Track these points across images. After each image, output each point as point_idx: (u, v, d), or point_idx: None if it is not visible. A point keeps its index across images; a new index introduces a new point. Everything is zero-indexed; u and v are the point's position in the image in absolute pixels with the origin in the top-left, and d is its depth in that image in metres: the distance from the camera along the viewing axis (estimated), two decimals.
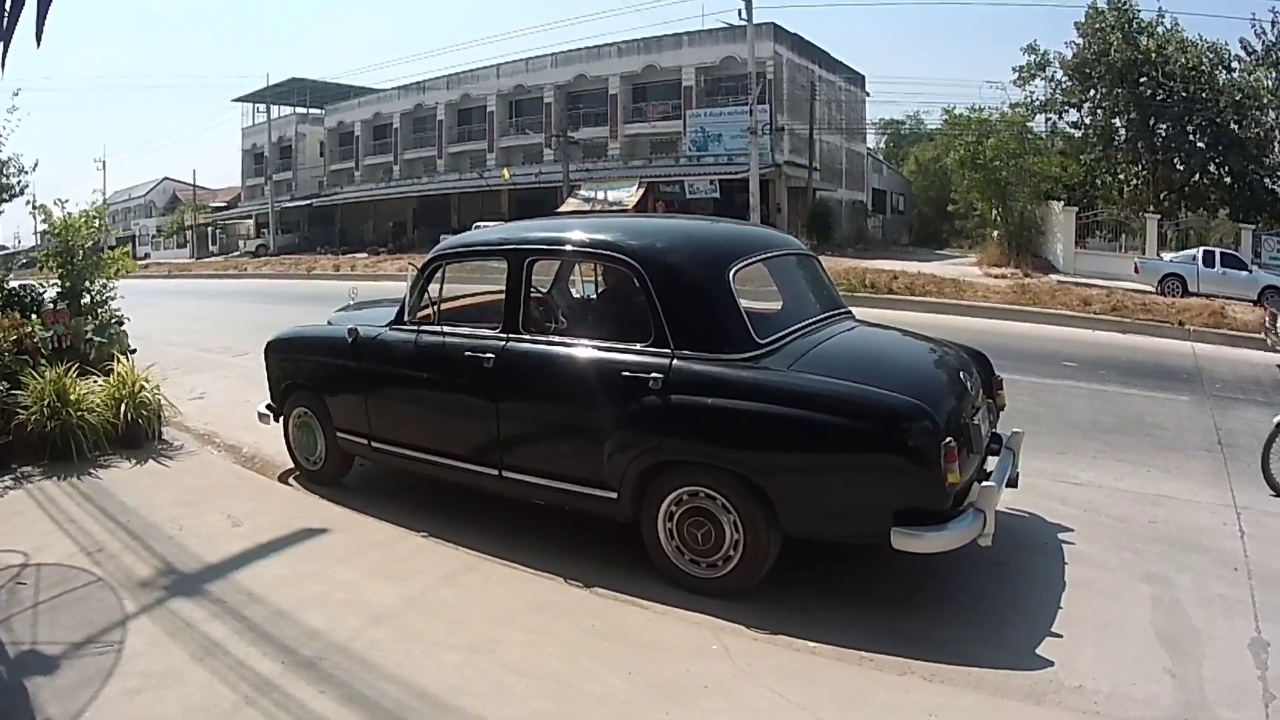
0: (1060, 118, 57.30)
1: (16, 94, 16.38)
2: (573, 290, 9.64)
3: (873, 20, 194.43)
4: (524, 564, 7.25)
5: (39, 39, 5.01)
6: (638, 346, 6.99)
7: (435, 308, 8.47)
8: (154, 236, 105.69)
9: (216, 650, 5.95)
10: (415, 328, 8.46)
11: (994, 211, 49.54)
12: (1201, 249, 37.29)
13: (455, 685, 5.52)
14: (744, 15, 48.56)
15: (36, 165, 17.64)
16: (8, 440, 10.44)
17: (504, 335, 7.76)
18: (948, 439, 6.01)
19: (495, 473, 7.78)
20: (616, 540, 7.36)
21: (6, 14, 5.47)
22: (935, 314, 22.64)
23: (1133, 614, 6.55)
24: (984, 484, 6.44)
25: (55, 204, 14.27)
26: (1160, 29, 53.43)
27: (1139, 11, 53.58)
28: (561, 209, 57.54)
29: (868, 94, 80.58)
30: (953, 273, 33.23)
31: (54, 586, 7.12)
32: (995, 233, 49.80)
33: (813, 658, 5.87)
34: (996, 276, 35.23)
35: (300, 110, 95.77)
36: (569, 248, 8.17)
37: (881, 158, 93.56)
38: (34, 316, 12.92)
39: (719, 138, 61.91)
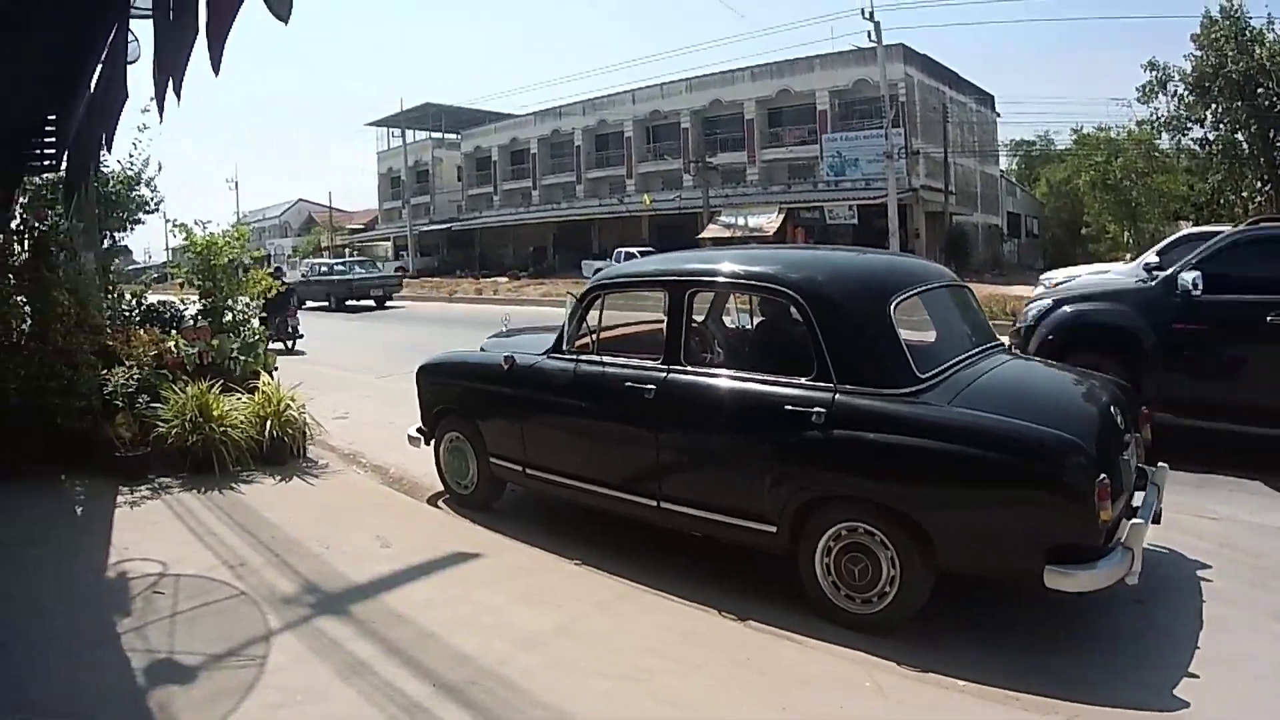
0: (1184, 134, 56.11)
1: (145, 110, 16.59)
2: (728, 321, 9.60)
3: (998, 38, 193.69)
4: (675, 594, 7.16)
5: (216, 68, 4.97)
6: (800, 380, 6.92)
7: (594, 337, 8.49)
8: (289, 256, 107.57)
9: (363, 669, 5.97)
10: (574, 357, 8.48)
11: (1125, 233, 48.87)
12: None
13: (605, 714, 5.50)
14: (874, 37, 48.51)
15: (178, 187, 17.96)
16: (146, 451, 10.60)
17: (665, 366, 7.76)
18: (1102, 476, 5.89)
19: (653, 503, 7.74)
20: (768, 572, 7.27)
21: (182, 46, 5.45)
22: None
23: (1266, 654, 6.36)
24: (1132, 521, 6.33)
25: (196, 223, 14.45)
26: (1271, 36, 52.10)
27: (1250, 19, 52.25)
28: (703, 235, 58.45)
29: (998, 114, 79.93)
30: None
31: (193, 598, 7.19)
32: (1127, 255, 49.03)
33: (962, 696, 5.74)
34: None
35: (435, 135, 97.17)
36: (730, 279, 8.08)
37: (1014, 179, 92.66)
38: (174, 332, 13.09)
39: (855, 162, 61.67)
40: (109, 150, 9.16)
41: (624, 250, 53.33)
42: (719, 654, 6.12)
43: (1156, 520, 7.19)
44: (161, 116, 6.47)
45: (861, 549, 6.49)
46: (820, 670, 5.95)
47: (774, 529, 6.87)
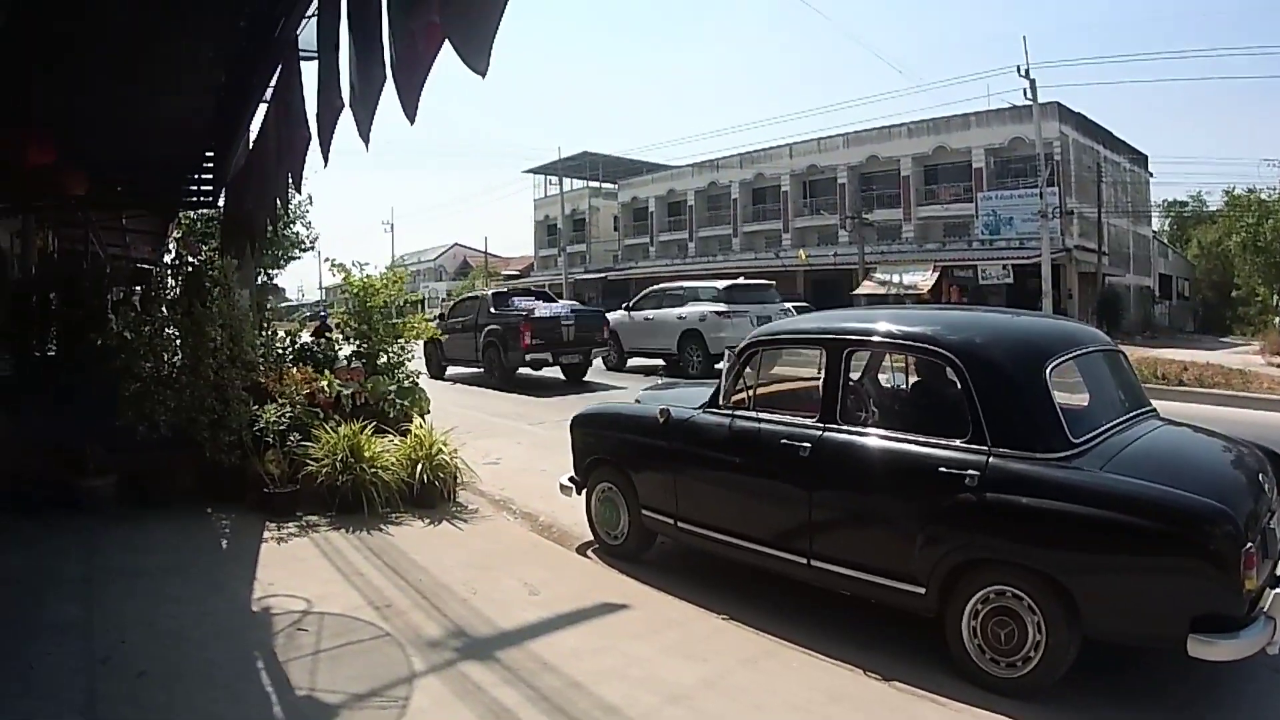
0: None
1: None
2: (883, 380, 9.58)
3: (1152, 97, 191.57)
4: (822, 652, 7.09)
5: (411, 117, 5.00)
6: (955, 442, 6.89)
7: (750, 393, 8.49)
8: (443, 300, 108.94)
9: (506, 716, 6.00)
10: (730, 412, 8.52)
11: (1276, 297, 48.11)
12: None
13: None
14: (1029, 95, 48.31)
15: (334, 228, 18.21)
16: (295, 489, 10.78)
17: (821, 425, 7.73)
18: (1248, 544, 5.83)
19: (804, 561, 7.70)
20: (912, 632, 7.21)
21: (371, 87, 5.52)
22: (1223, 406, 21.92)
23: None
24: (1276, 590, 6.17)
25: (354, 264, 14.66)
26: None
27: None
28: (857, 291, 58.36)
29: (1151, 174, 78.88)
30: (1235, 362, 32.27)
31: (337, 636, 7.27)
32: (1277, 320, 48.25)
33: None
34: (1278, 365, 34.10)
35: (593, 184, 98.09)
36: (887, 339, 8.02)
37: (1166, 240, 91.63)
38: (328, 372, 13.31)
39: (1010, 220, 61.16)
40: (298, 190, 9.31)
41: (784, 304, 53.47)
42: (865, 714, 6.08)
43: None
44: (326, 160, 6.57)
45: (1008, 612, 6.43)
46: None
47: (923, 590, 6.82)
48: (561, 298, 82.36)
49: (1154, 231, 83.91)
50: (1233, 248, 53.66)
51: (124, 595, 8.17)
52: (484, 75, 4.32)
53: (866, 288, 60.84)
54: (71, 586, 8.35)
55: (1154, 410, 8.28)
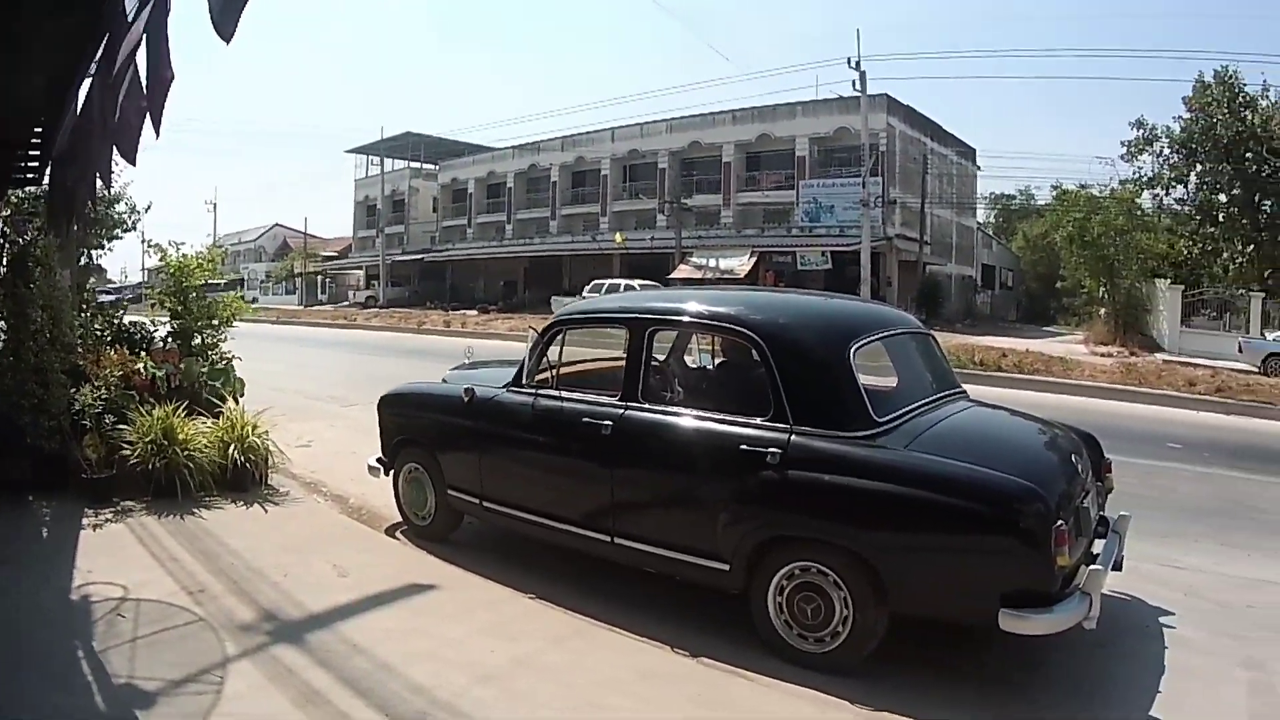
0: (1167, 193, 56.72)
1: None
2: (689, 360, 9.64)
3: (984, 92, 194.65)
4: (631, 630, 7.20)
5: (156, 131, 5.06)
6: (756, 420, 6.97)
7: (554, 372, 8.53)
8: (263, 281, 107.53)
9: (318, 699, 5.99)
10: (533, 391, 8.54)
11: (1101, 289, 49.22)
12: None
13: None
14: (858, 86, 48.83)
15: (150, 207, 17.96)
16: (112, 474, 10.58)
17: (623, 403, 7.81)
18: (1059, 522, 5.95)
19: (607, 539, 7.77)
20: (722, 609, 7.28)
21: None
22: (1043, 392, 22.59)
23: (1231, 699, 6.48)
24: (1091, 567, 6.36)
25: (170, 245, 14.46)
26: (1265, 103, 52.76)
27: (1244, 86, 53.05)
28: (673, 275, 58.36)
29: (979, 168, 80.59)
30: (1059, 350, 33.16)
31: (154, 623, 7.19)
32: (1102, 310, 49.48)
33: None
34: (1102, 355, 35.38)
35: (414, 165, 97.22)
36: (691, 319, 8.13)
37: (991, 233, 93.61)
38: (143, 354, 13.11)
39: (831, 209, 61.93)
40: (132, 162, 9.17)
41: (597, 281, 53.31)
42: (674, 690, 6.17)
43: (1118, 567, 7.31)
44: (158, 132, 6.55)
45: (814, 589, 6.54)
46: (773, 708, 6.01)
47: (728, 567, 6.92)
48: (378, 280, 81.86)
49: (979, 223, 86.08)
50: (1059, 241, 54.74)
51: None
52: (228, 41, 4.44)
53: (683, 272, 61.24)
54: None
55: (964, 392, 8.49)
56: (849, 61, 48.38)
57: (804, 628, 6.62)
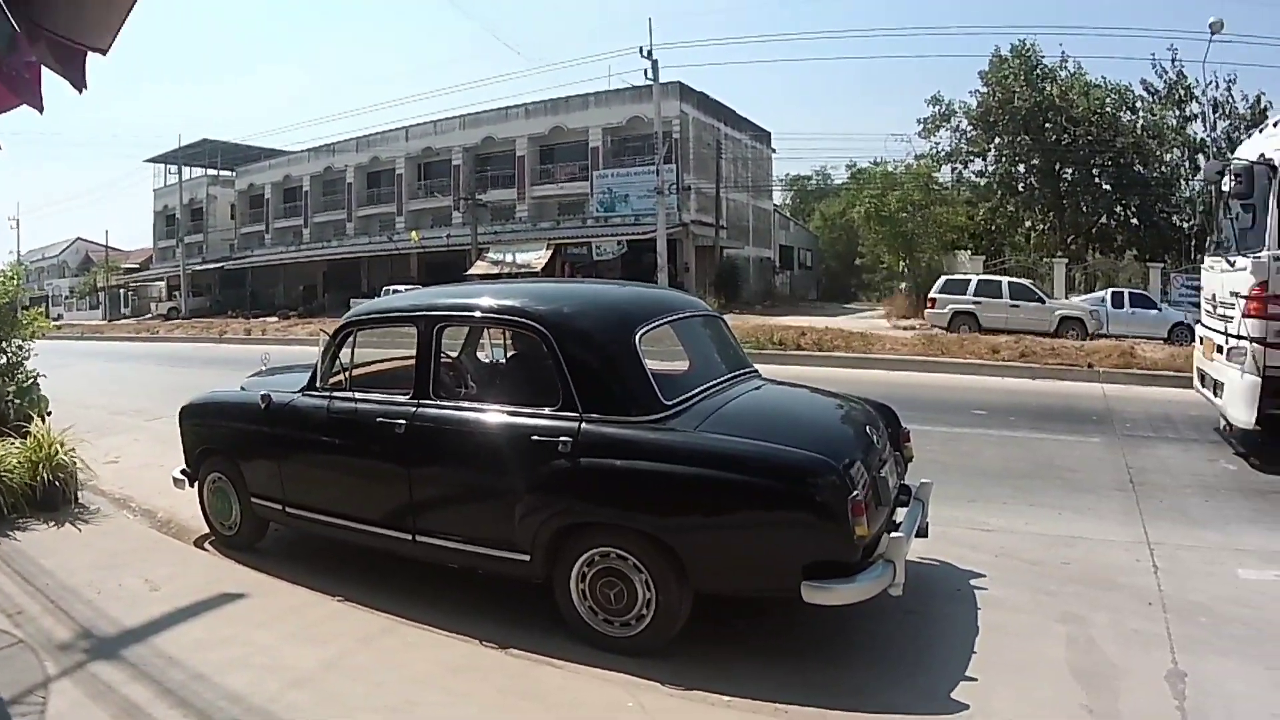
0: (965, 167, 57.82)
1: None
2: (482, 355, 9.71)
3: (778, 77, 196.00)
4: (440, 626, 7.23)
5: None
6: (546, 410, 7.09)
7: (347, 374, 8.54)
8: (67, 297, 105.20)
9: (138, 713, 5.95)
10: (328, 394, 8.50)
11: (901, 263, 50.00)
12: (1110, 290, 38.49)
13: None
14: (650, 75, 49.06)
15: None
16: None
17: (415, 401, 7.85)
18: (854, 493, 6.10)
19: (409, 537, 7.81)
20: (532, 600, 7.36)
21: None
22: (845, 369, 22.85)
23: (1049, 654, 6.66)
24: (893, 535, 6.53)
25: None
26: (1064, 73, 54.19)
27: (1043, 58, 54.30)
28: (471, 272, 58.77)
29: (774, 150, 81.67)
30: (861, 326, 33.84)
31: None
32: (903, 285, 50.29)
33: (729, 711, 5.91)
34: (905, 329, 36.06)
35: (211, 172, 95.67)
36: (478, 314, 8.25)
37: (788, 214, 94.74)
38: None
39: (626, 198, 62.66)
40: None
41: (391, 287, 53.13)
42: (485, 683, 6.24)
43: (923, 534, 7.57)
44: None
45: (616, 574, 6.68)
46: (584, 694, 6.09)
47: (528, 558, 7.01)
48: (179, 291, 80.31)
49: (775, 205, 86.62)
50: (856, 218, 55.49)
51: None
52: (81, 91, 4.49)
53: (480, 268, 61.53)
54: None
55: (756, 372, 8.64)
56: (641, 50, 48.82)
57: (609, 613, 6.75)
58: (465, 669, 6.47)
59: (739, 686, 6.17)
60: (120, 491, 12.20)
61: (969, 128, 57.15)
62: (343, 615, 7.60)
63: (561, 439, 6.80)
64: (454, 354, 8.91)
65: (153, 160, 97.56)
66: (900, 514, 7.39)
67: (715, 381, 7.79)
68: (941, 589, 7.86)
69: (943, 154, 57.92)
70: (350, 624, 7.39)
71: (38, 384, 13.88)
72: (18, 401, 12.92)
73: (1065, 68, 55.17)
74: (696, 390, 7.40)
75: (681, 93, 62.36)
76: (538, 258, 61.20)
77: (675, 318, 8.16)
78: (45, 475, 10.72)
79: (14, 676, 6.55)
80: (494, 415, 7.46)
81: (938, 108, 57.72)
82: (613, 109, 65.75)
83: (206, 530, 9.98)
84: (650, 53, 48.66)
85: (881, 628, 7.08)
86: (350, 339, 8.64)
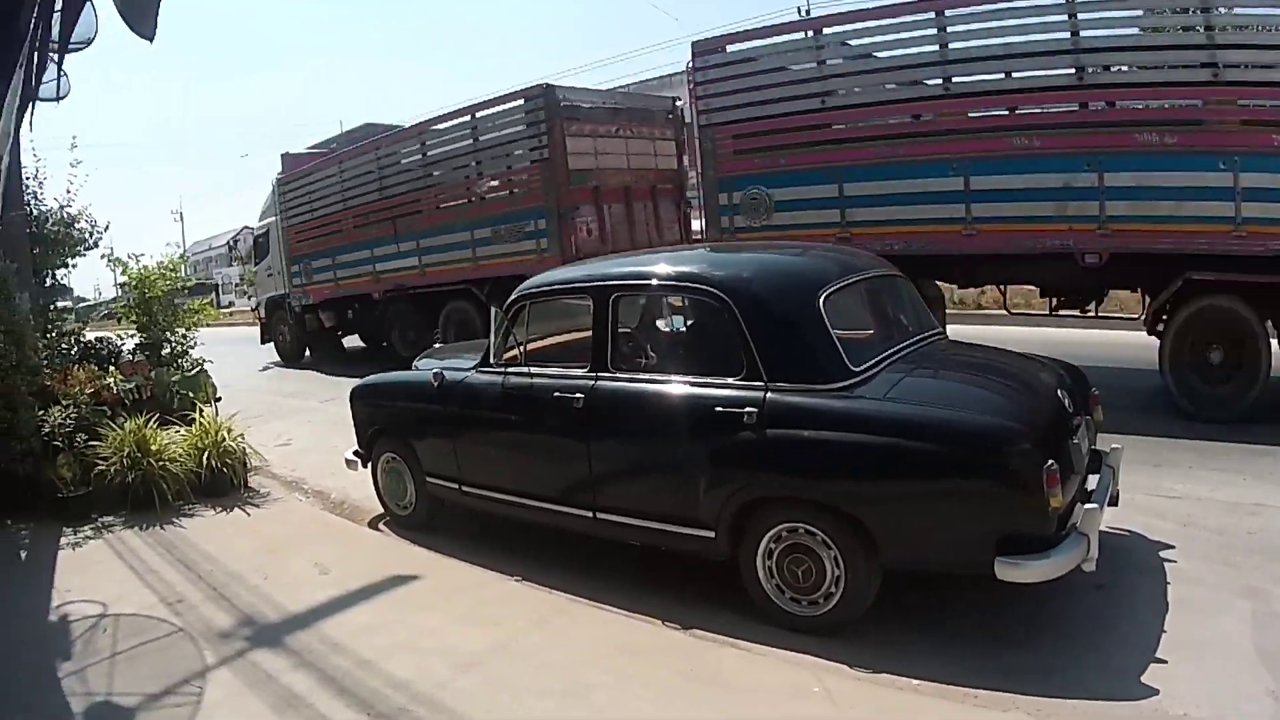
0: None
1: (74, 146, 16.72)
2: (660, 324, 9.44)
3: None
4: (618, 606, 7.12)
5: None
6: (730, 380, 6.81)
7: (522, 349, 8.36)
8: (237, 284, 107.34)
9: (298, 703, 5.93)
10: (502, 370, 8.37)
11: None
12: None
13: None
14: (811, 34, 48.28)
15: (109, 226, 17.95)
16: (87, 490, 10.53)
17: (593, 374, 7.66)
18: (1049, 462, 5.73)
19: (589, 514, 7.67)
20: (715, 578, 7.12)
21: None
22: (1024, 327, 21.62)
23: (1233, 632, 6.25)
24: (1086, 506, 6.18)
25: (130, 257, 14.38)
26: None
27: None
28: None
29: None
30: None
31: (132, 637, 7.13)
32: None
33: (916, 696, 5.62)
34: None
35: None
36: (655, 282, 8.03)
37: None
38: (112, 368, 13.06)
39: None
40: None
41: None
42: (661, 666, 6.04)
43: (1114, 503, 7.16)
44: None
45: (804, 550, 6.38)
46: (767, 677, 5.86)
47: (712, 534, 6.77)
48: None
49: None
50: None
51: None
52: (151, 40, 4.39)
53: None
54: None
55: (943, 334, 8.32)
56: (798, 9, 47.83)
57: (796, 590, 6.48)
58: (643, 650, 6.32)
59: (925, 669, 5.88)
60: (291, 474, 12.34)
61: None
62: (516, 595, 7.52)
63: (747, 410, 6.54)
64: (632, 324, 8.71)
65: (316, 147, 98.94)
66: (1091, 482, 7.02)
67: (902, 345, 7.43)
68: (1129, 561, 7.45)
69: None
70: (524, 604, 7.31)
71: (205, 372, 14.00)
72: (184, 391, 12.96)
73: None
74: (883, 355, 7.05)
75: None
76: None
77: (859, 278, 7.81)
78: (212, 462, 10.84)
79: (170, 666, 6.57)
80: (675, 386, 7.25)
81: None
82: None
83: (380, 511, 9.98)
84: (808, 12, 48.17)
85: (1071, 605, 6.69)
86: (523, 313, 8.46)
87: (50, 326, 14.77)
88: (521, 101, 19.28)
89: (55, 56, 7.90)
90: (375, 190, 22.89)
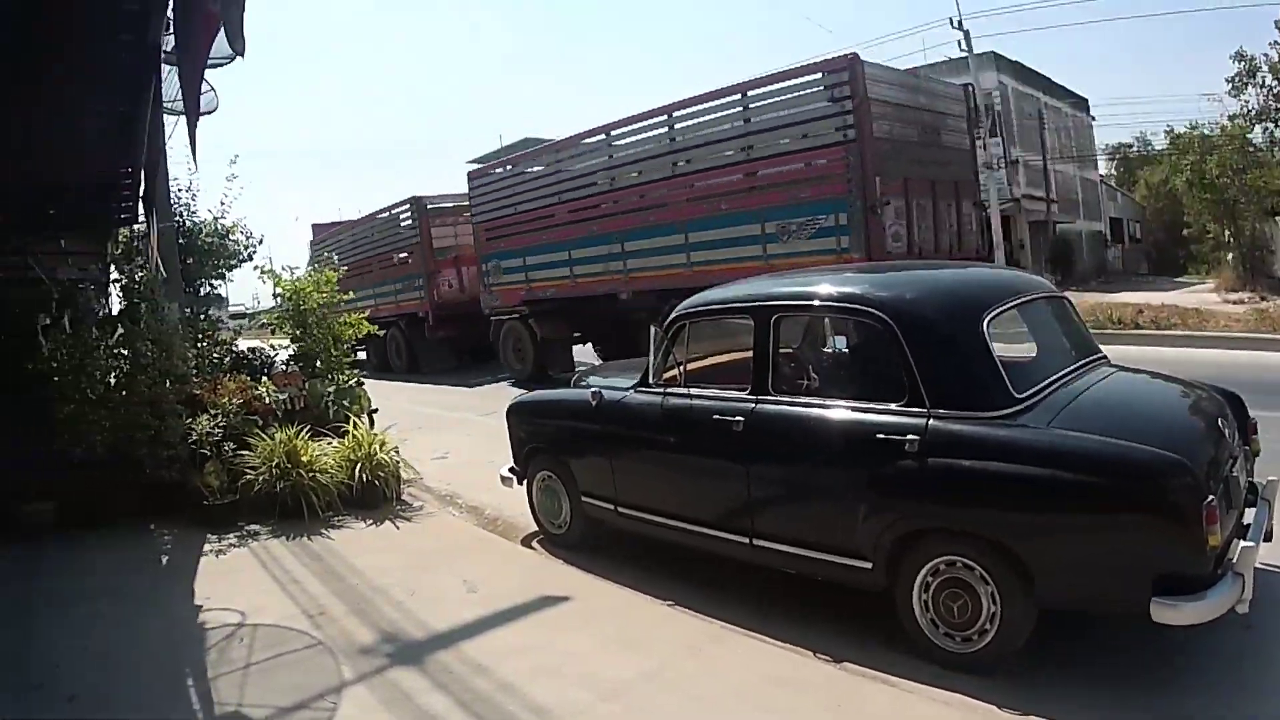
0: (1276, 126, 54.42)
1: (234, 161, 17.29)
2: (823, 344, 9.21)
3: (1089, 41, 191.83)
4: (771, 635, 6.90)
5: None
6: (892, 406, 6.59)
7: (681, 369, 8.26)
8: None
9: None
10: (661, 390, 8.31)
11: (1225, 233, 47.93)
12: None
13: None
14: (964, 46, 48.33)
15: (263, 239, 18.42)
16: (234, 499, 10.74)
17: (753, 396, 7.49)
18: (1209, 497, 5.51)
19: (745, 541, 7.49)
20: (867, 609, 6.94)
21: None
22: (1181, 347, 21.63)
23: None
24: (1243, 544, 5.91)
25: (284, 269, 14.64)
26: None
27: None
28: None
29: (1093, 118, 78.21)
30: (1191, 301, 31.93)
31: (268, 648, 7.22)
32: (1229, 256, 48.00)
33: None
34: (1234, 302, 33.90)
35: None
36: (816, 302, 7.73)
37: (1114, 184, 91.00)
38: (265, 379, 13.35)
39: None
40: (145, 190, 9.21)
41: None
42: (810, 700, 5.85)
43: (1268, 538, 6.79)
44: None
45: (960, 584, 6.18)
46: (915, 716, 5.67)
47: (870, 565, 6.57)
48: None
49: (1101, 175, 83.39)
50: (1179, 186, 53.12)
51: (60, 619, 8.15)
52: (243, 56, 4.46)
53: None
54: (6, 613, 8.31)
55: (1105, 358, 8.02)
56: (951, 21, 48.29)
57: (950, 626, 6.26)
58: (790, 682, 6.14)
59: (1076, 712, 5.66)
60: (446, 489, 12.38)
61: (1275, 83, 53.79)
62: (669, 620, 7.42)
63: (908, 437, 6.31)
64: (793, 345, 8.57)
65: (475, 161, 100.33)
66: (1248, 516, 6.75)
67: (1065, 370, 7.19)
68: None
69: (1253, 113, 54.78)
70: (676, 630, 7.20)
71: (361, 383, 14.17)
72: (339, 403, 13.10)
73: None
74: (1047, 381, 6.81)
75: (997, 63, 60.30)
76: None
77: (1021, 300, 7.55)
78: (364, 474, 10.97)
79: (306, 679, 6.61)
80: (836, 411, 7.01)
81: (1242, 64, 54.56)
82: None
83: (534, 529, 9.97)
84: (960, 23, 47.93)
85: (1219, 646, 6.39)
86: (683, 332, 8.37)
87: (201, 336, 15.00)
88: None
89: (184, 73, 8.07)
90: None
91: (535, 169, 26.01)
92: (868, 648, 6.56)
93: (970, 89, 22.61)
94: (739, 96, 19.39)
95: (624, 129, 22.27)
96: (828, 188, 17.63)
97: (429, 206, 30.72)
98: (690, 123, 20.48)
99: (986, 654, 6.10)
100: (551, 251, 24.63)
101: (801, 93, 18.34)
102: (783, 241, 18.37)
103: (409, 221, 31.34)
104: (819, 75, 18.02)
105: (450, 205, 30.77)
